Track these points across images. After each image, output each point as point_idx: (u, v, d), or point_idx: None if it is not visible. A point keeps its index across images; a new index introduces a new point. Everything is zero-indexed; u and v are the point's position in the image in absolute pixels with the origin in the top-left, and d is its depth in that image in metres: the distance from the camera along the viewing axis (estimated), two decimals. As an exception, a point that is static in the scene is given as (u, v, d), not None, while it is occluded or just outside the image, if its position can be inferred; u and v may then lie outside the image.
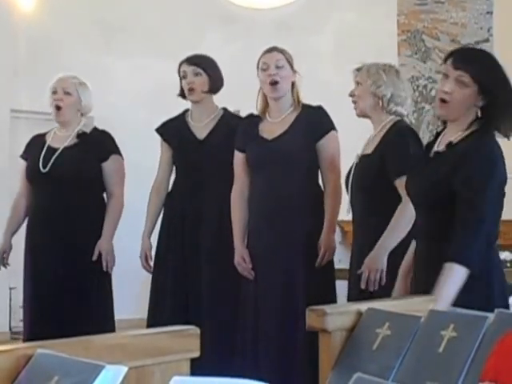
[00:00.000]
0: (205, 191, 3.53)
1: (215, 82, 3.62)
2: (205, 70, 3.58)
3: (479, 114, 2.27)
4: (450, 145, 2.31)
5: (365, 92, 3.00)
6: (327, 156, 3.25)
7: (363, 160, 2.98)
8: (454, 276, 2.13)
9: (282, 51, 3.36)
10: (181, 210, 3.56)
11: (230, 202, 3.46)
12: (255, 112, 3.47)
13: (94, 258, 3.56)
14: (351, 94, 3.07)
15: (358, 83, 3.04)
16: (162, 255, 3.58)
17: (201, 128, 3.61)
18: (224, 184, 3.53)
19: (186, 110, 3.72)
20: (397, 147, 2.85)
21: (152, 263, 3.61)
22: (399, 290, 2.45)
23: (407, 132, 2.94)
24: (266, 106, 3.39)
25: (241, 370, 3.06)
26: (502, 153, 2.25)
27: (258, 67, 3.37)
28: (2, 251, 3.70)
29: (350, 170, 3.05)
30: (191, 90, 3.57)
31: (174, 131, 3.66)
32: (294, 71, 3.37)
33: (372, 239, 2.85)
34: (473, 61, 2.28)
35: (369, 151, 2.97)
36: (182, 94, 3.65)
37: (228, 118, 3.64)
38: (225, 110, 3.69)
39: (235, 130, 3.53)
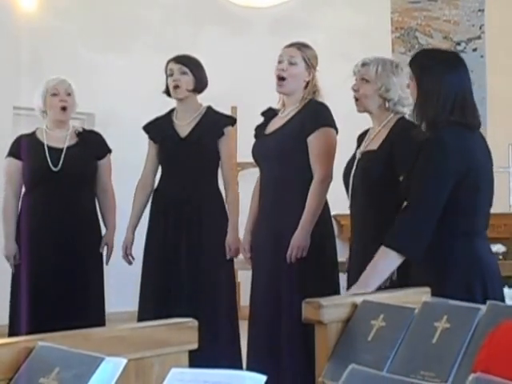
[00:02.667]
0: (185, 187, 3.57)
1: (200, 82, 3.68)
2: (191, 70, 3.64)
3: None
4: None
5: (372, 92, 2.95)
6: (314, 151, 3.22)
7: (367, 156, 2.94)
8: (384, 259, 2.20)
9: (300, 48, 3.32)
10: (164, 207, 3.61)
11: (209, 198, 3.56)
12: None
13: (102, 250, 3.75)
14: (355, 89, 3.00)
15: (364, 80, 2.97)
16: (149, 252, 3.63)
17: (184, 126, 3.66)
18: (205, 181, 3.59)
19: (173, 109, 3.77)
20: (403, 145, 2.84)
21: (130, 257, 3.69)
22: None
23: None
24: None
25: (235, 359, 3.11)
26: (453, 142, 2.28)
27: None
28: (12, 255, 3.70)
29: (348, 166, 3.02)
30: (176, 87, 3.63)
31: (158, 129, 3.72)
32: (312, 70, 3.32)
33: (372, 234, 2.85)
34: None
35: (374, 147, 2.93)
36: (168, 92, 3.71)
37: (210, 115, 3.68)
38: (208, 107, 3.73)
39: (216, 125, 3.60)
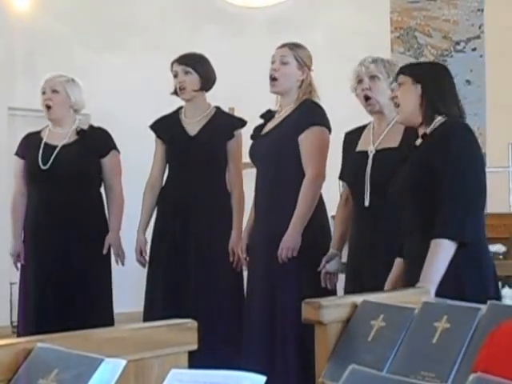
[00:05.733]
0: (195, 187, 3.57)
1: (206, 80, 3.67)
2: (195, 69, 3.63)
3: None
4: (424, 135, 2.40)
5: (385, 87, 2.90)
6: (305, 150, 3.21)
7: (387, 153, 2.86)
8: (441, 252, 2.20)
9: (292, 47, 3.32)
10: (173, 206, 3.60)
11: (218, 197, 3.56)
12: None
13: (105, 251, 3.64)
14: (367, 88, 2.94)
15: (375, 77, 2.93)
16: (156, 251, 3.61)
17: (193, 124, 3.66)
18: (212, 180, 3.60)
19: (180, 108, 3.76)
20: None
21: (147, 258, 3.65)
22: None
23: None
24: None
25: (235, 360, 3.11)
26: (472, 133, 2.37)
27: None
28: (16, 253, 3.70)
29: (356, 164, 2.95)
30: (182, 88, 3.63)
31: (166, 127, 3.71)
32: (306, 70, 3.31)
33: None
34: (406, 65, 2.60)
35: (393, 145, 2.86)
36: (176, 92, 3.71)
37: (220, 116, 3.70)
38: (217, 108, 3.73)
39: (227, 127, 3.62)
